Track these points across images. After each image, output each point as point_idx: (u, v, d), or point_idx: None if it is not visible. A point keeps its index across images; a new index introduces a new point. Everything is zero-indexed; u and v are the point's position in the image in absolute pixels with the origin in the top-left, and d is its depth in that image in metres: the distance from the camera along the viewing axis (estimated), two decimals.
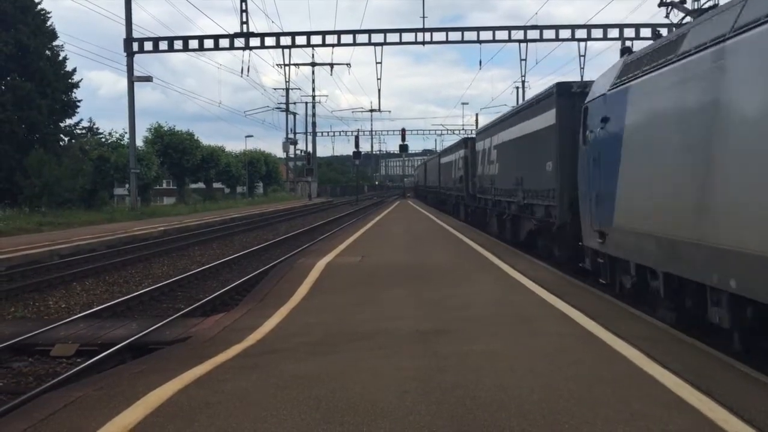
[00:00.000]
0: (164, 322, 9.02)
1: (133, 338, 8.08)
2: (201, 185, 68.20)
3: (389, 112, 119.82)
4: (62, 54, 37.49)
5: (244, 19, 34.99)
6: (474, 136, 29.14)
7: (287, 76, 69.98)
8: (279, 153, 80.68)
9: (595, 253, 9.98)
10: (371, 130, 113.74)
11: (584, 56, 35.47)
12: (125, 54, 35.50)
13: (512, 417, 4.29)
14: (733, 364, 5.62)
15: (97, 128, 43.30)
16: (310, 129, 78.92)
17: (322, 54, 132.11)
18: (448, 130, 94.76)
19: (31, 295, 12.53)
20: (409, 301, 8.85)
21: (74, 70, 38.11)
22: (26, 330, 8.69)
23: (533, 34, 35.49)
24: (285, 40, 36.26)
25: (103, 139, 43.37)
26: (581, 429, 4.09)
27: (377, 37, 35.77)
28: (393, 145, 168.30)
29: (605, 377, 5.13)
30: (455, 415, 4.35)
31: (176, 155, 55.47)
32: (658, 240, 7.46)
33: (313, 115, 76.80)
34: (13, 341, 8.12)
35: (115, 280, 14.63)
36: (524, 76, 42.99)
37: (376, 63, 48.44)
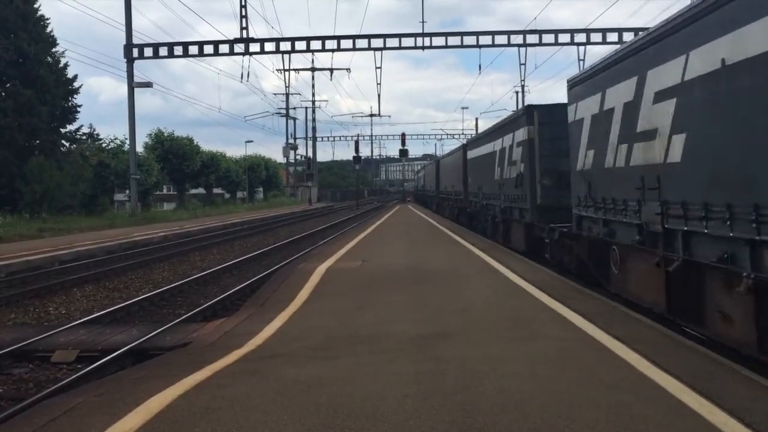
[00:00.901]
0: (165, 327, 9.01)
1: (133, 344, 8.08)
2: (201, 190, 68.21)
3: (389, 116, 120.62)
4: (63, 60, 37.62)
5: (244, 25, 35.15)
6: (534, 107, 15.51)
7: (287, 82, 70.24)
8: (279, 158, 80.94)
9: None
10: (371, 135, 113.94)
11: (584, 60, 35.48)
12: (125, 60, 35.60)
13: (513, 421, 4.29)
14: (734, 367, 5.62)
15: (98, 134, 43.33)
16: (310, 134, 79.21)
17: (322, 59, 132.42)
18: (447, 134, 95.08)
19: (32, 301, 12.53)
20: (409, 305, 8.84)
21: (75, 76, 38.21)
22: (26, 336, 8.69)
23: (532, 38, 35.60)
24: (285, 46, 36.36)
25: (104, 145, 43.44)
26: None
27: (377, 42, 35.88)
28: (393, 150, 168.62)
29: (606, 381, 5.13)
30: (456, 419, 4.34)
31: (176, 161, 55.52)
32: None
33: (313, 120, 77.16)
34: (14, 347, 8.12)
35: (115, 285, 14.63)
36: (524, 80, 43.08)
37: (376, 68, 48.66)
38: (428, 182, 53.93)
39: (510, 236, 18.03)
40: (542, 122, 14.76)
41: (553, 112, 14.24)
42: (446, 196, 36.95)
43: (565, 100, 12.58)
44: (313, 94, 74.35)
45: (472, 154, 25.60)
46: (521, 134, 15.76)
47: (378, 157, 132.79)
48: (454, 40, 36.14)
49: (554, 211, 13.66)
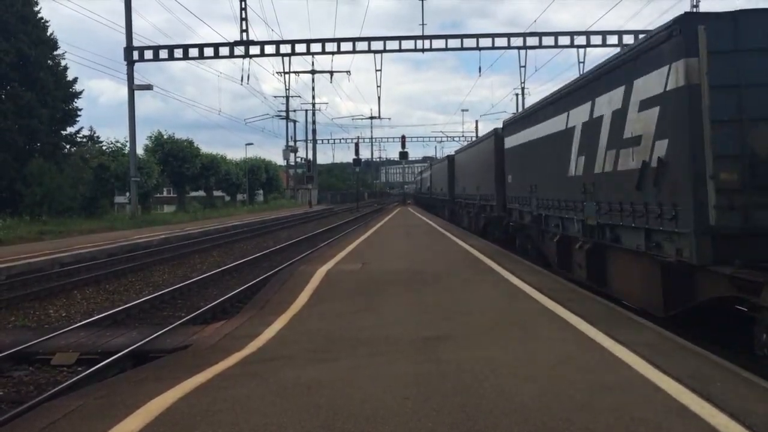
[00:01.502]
0: (165, 330, 9.02)
1: (133, 346, 8.08)
2: (201, 193, 68.22)
3: (389, 119, 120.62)
4: (63, 63, 37.70)
5: (244, 27, 35.18)
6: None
7: (287, 84, 70.36)
8: (279, 160, 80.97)
9: None
10: (371, 137, 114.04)
11: (584, 63, 35.47)
12: (125, 62, 35.63)
13: (513, 423, 4.29)
14: (734, 369, 5.62)
15: (98, 136, 43.39)
16: (310, 136, 79.22)
17: (322, 61, 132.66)
18: (448, 136, 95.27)
19: (32, 303, 12.53)
20: (409, 308, 8.84)
21: (75, 79, 38.33)
22: (27, 339, 8.69)
23: (532, 41, 35.64)
24: (285, 48, 36.40)
25: (104, 148, 43.45)
26: None
27: (377, 45, 35.95)
28: (393, 152, 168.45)
29: (606, 383, 5.13)
30: (456, 422, 4.34)
31: (176, 163, 55.52)
32: None
33: (314, 122, 77.17)
34: (14, 350, 8.12)
35: (115, 288, 14.63)
36: (524, 82, 43.06)
37: (376, 70, 48.64)
38: (437, 184, 42.78)
39: (608, 277, 10.30)
40: (718, 50, 7.10)
41: (747, 25, 7.17)
42: (466, 202, 27.48)
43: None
44: (313, 97, 74.47)
45: (514, 140, 16.90)
46: (658, 81, 7.86)
47: (378, 159, 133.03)
48: (454, 43, 36.20)
49: (748, 241, 6.93)
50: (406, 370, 5.63)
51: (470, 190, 25.89)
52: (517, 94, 63.39)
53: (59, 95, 36.51)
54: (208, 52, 35.89)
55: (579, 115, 11.24)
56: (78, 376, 7.03)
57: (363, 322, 8.01)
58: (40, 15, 36.42)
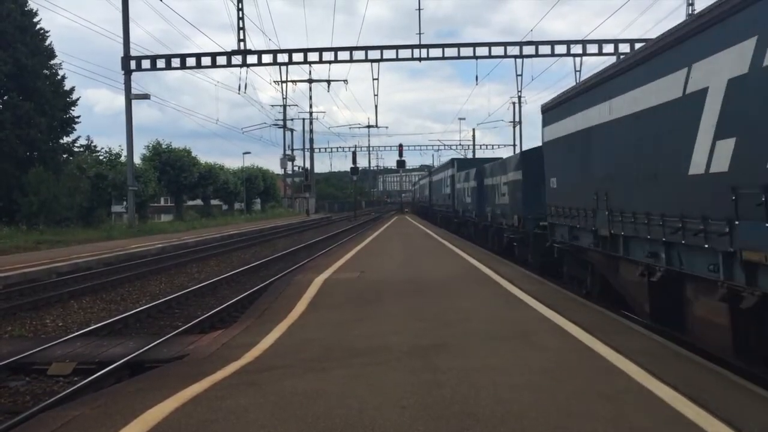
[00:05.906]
0: (162, 339, 9.00)
1: (130, 356, 8.06)
2: (199, 202, 68.20)
3: (386, 127, 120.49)
4: (60, 72, 37.73)
5: (242, 37, 35.28)
6: None
7: (284, 93, 70.41)
8: (277, 169, 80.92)
9: None
10: (368, 146, 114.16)
11: (580, 71, 35.60)
12: (123, 72, 35.65)
13: None
14: (731, 378, 5.63)
15: (95, 146, 43.40)
16: (307, 145, 79.23)
17: (319, 70, 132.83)
18: (444, 145, 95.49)
19: (29, 313, 12.50)
20: (407, 317, 8.83)
21: (72, 88, 38.35)
22: (23, 349, 8.67)
23: (529, 49, 35.73)
24: (282, 57, 36.48)
25: (101, 157, 43.43)
26: None
27: (374, 54, 36.02)
28: (390, 161, 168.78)
29: (604, 392, 5.13)
30: (453, 430, 4.34)
31: (174, 172, 55.51)
32: None
33: (311, 131, 77.14)
34: (10, 360, 8.10)
35: (112, 298, 14.59)
36: (520, 91, 43.28)
37: (373, 79, 48.51)
38: (468, 195, 26.63)
39: None
40: None
41: None
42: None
43: None
44: (311, 106, 74.46)
45: None
46: None
47: (375, 168, 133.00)
48: (450, 52, 36.27)
49: None
50: (404, 379, 5.63)
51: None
52: (513, 103, 63.46)
53: (57, 104, 36.52)
54: (206, 61, 35.94)
55: None
56: (75, 387, 7.02)
57: (360, 331, 8.00)
58: (39, 26, 36.50)
